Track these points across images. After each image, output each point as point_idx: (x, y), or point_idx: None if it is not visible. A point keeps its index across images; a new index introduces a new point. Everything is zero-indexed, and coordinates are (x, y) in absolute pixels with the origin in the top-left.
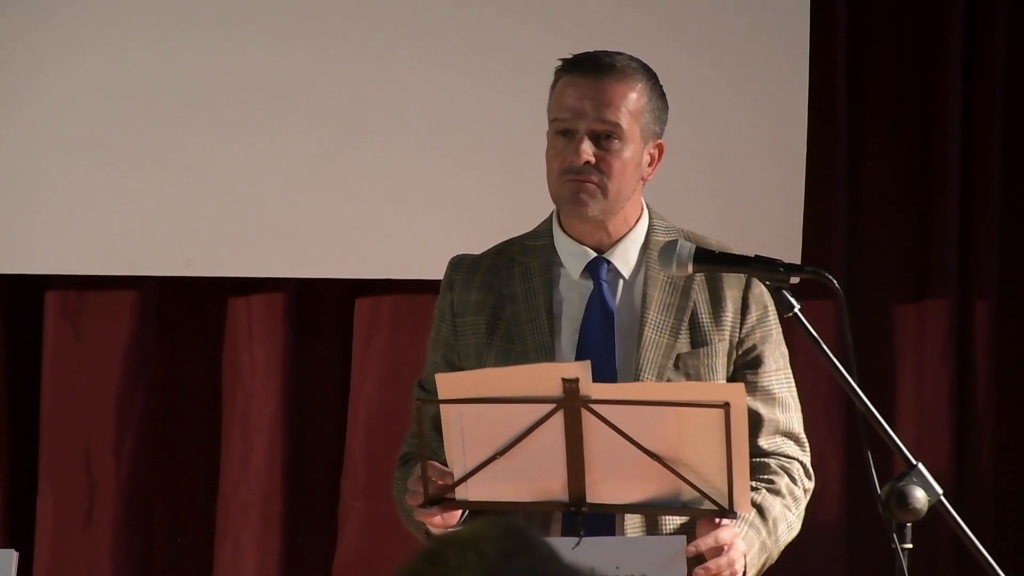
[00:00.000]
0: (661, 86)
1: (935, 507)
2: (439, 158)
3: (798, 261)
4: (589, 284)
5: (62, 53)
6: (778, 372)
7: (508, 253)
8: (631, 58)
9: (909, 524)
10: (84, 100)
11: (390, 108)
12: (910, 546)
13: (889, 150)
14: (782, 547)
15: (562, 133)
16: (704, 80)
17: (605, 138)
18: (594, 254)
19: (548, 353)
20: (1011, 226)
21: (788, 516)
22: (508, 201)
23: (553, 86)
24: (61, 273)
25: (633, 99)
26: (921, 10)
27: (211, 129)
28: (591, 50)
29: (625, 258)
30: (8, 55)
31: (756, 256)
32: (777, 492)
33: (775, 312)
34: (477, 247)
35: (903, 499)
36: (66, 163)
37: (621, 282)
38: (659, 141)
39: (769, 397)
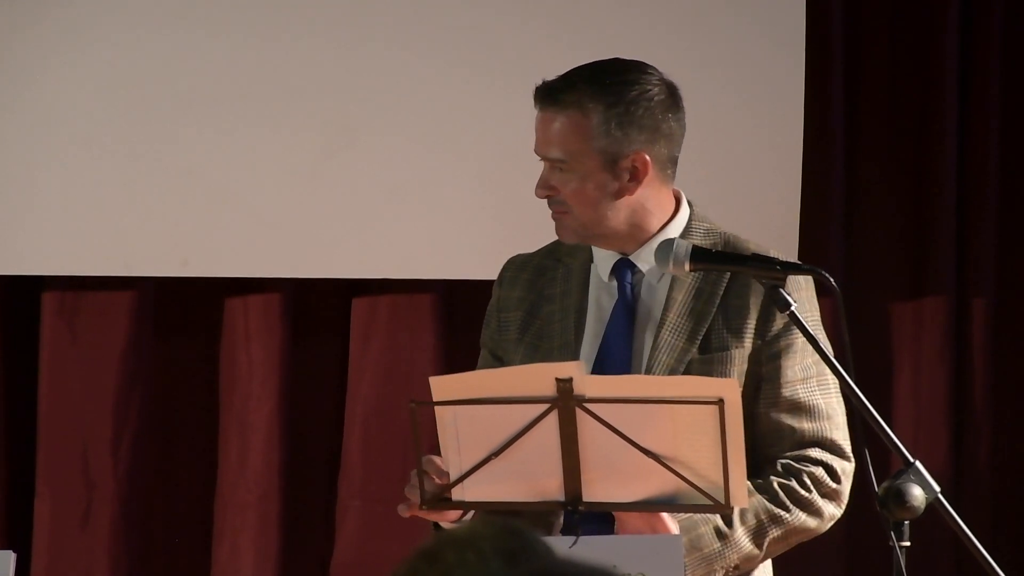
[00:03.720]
0: (631, 101)
1: (933, 505)
2: (437, 157)
3: (795, 259)
4: (616, 286)
5: (57, 52)
6: (807, 381)
7: (556, 254)
8: (588, 77)
9: (907, 522)
10: (79, 100)
11: (388, 107)
12: (908, 544)
13: (885, 148)
14: (769, 534)
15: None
16: (699, 78)
17: (557, 170)
18: (619, 256)
19: (571, 352)
20: (1008, 223)
21: (767, 506)
22: (507, 201)
23: None
24: (57, 274)
25: (574, 128)
26: (917, 7)
27: (207, 129)
28: (570, 65)
29: (651, 260)
30: (2, 54)
31: (753, 254)
32: (763, 490)
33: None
34: (476, 247)
35: (901, 497)
36: (62, 163)
37: (646, 284)
38: (636, 155)
39: (794, 407)
